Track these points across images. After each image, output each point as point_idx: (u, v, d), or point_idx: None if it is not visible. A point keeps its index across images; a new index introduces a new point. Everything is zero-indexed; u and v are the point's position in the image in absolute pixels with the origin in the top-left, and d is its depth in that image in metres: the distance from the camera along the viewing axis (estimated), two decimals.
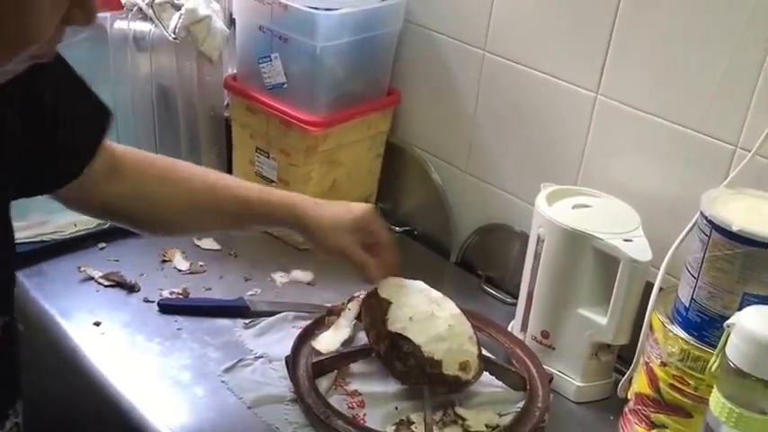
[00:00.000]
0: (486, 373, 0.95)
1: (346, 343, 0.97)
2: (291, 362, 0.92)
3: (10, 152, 0.68)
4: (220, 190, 0.87)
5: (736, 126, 0.91)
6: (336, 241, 0.89)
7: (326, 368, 0.94)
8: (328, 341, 0.95)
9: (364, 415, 0.90)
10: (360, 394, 0.93)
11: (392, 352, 0.90)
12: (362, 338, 0.97)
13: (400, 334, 0.89)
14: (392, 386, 0.94)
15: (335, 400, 0.91)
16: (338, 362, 0.95)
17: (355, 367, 0.97)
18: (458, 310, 0.94)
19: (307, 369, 0.92)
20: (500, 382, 0.96)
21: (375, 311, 0.93)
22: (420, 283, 0.96)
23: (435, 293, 0.95)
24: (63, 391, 1.03)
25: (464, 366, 0.89)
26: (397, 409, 0.91)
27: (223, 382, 0.94)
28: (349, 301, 1.00)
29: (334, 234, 0.89)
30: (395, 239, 1.28)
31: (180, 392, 0.92)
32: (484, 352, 0.96)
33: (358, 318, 0.98)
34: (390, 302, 0.91)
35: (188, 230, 0.98)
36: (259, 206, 0.88)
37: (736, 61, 0.89)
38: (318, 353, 0.93)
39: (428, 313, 0.91)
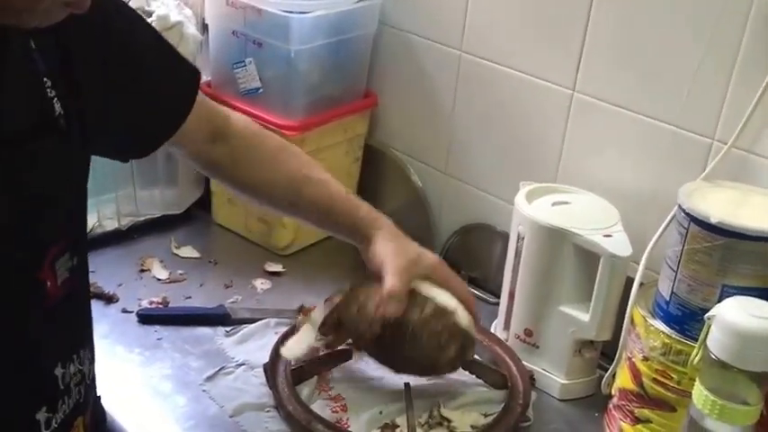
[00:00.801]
0: (467, 374, 0.95)
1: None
2: (270, 369, 0.92)
3: (96, 112, 0.70)
4: (313, 186, 0.89)
5: (712, 119, 0.91)
6: (390, 279, 0.84)
7: (306, 374, 0.93)
8: (293, 346, 0.92)
9: (347, 419, 0.89)
10: (343, 398, 0.92)
11: (400, 331, 0.84)
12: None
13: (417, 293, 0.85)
14: (376, 390, 0.93)
15: (318, 406, 0.90)
16: (318, 367, 0.94)
17: (338, 371, 0.96)
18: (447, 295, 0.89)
19: (286, 376, 0.91)
20: (482, 381, 0.96)
21: (366, 302, 0.87)
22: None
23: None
24: None
25: (472, 324, 0.86)
26: (381, 413, 0.90)
27: (204, 390, 0.93)
28: (326, 301, 0.98)
29: (393, 270, 0.85)
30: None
31: (161, 402, 0.91)
32: None
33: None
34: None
35: (280, 211, 0.97)
36: (341, 216, 0.89)
37: (710, 55, 0.90)
38: (299, 359, 0.92)
39: (422, 295, 0.86)
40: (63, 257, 0.68)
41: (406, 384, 0.92)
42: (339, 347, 0.96)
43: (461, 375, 0.95)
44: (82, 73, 0.68)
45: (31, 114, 0.64)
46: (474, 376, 0.97)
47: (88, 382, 0.75)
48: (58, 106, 0.65)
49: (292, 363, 0.93)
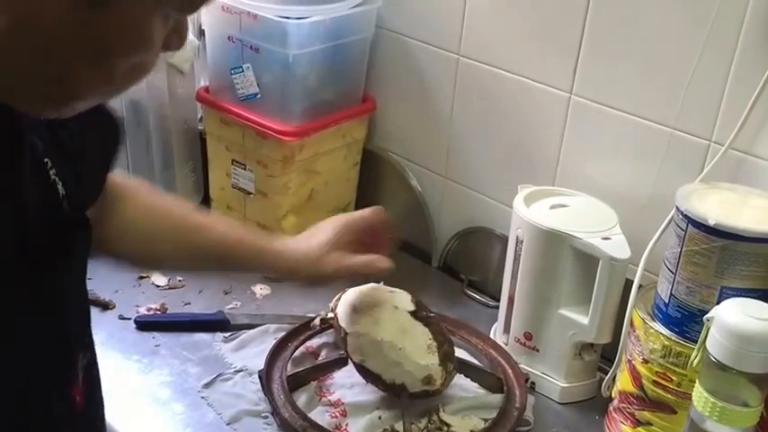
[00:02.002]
0: (463, 377, 0.95)
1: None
2: (265, 375, 0.92)
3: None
4: (203, 231, 0.83)
5: (710, 121, 0.91)
6: (320, 270, 0.85)
7: (303, 380, 0.93)
8: None
9: (347, 425, 0.89)
10: (343, 404, 0.92)
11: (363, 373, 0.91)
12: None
13: (362, 366, 0.90)
14: (374, 394, 0.93)
15: (318, 412, 0.90)
16: (314, 373, 0.94)
17: (337, 376, 0.96)
18: (411, 322, 0.91)
19: (282, 382, 0.91)
20: (477, 385, 0.96)
21: (339, 336, 0.93)
22: (369, 292, 0.95)
23: (385, 306, 0.92)
24: None
25: (428, 380, 0.89)
26: (380, 419, 0.90)
27: (203, 397, 0.92)
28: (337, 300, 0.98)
29: (316, 263, 0.84)
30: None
31: (159, 409, 0.91)
32: (459, 354, 0.95)
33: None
34: (347, 332, 0.91)
35: (178, 268, 0.93)
36: (236, 250, 0.84)
37: (706, 57, 0.90)
38: (295, 366, 0.92)
39: (377, 341, 0.89)
40: (82, 358, 0.63)
41: (403, 388, 0.91)
42: (335, 356, 0.97)
43: (459, 379, 0.95)
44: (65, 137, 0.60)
45: (49, 210, 0.56)
46: (470, 380, 0.96)
47: None
48: (60, 187, 0.57)
49: (288, 369, 0.92)
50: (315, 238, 0.86)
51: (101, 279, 1.11)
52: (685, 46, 0.91)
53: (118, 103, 1.15)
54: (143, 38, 0.48)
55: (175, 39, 0.52)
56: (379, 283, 0.99)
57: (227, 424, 0.88)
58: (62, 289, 0.58)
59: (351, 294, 0.95)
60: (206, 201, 1.28)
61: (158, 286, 1.12)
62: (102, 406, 0.68)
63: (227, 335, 1.03)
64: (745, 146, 0.89)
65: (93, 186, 0.67)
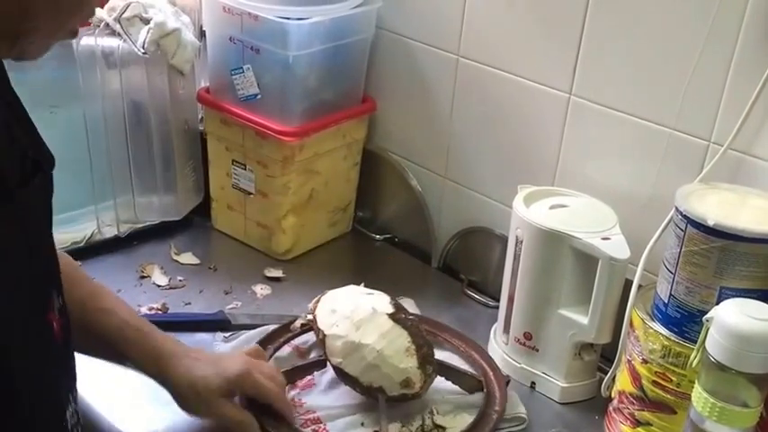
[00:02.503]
0: (443, 380, 0.95)
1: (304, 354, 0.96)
2: None
3: None
4: (103, 315, 0.81)
5: (709, 121, 0.92)
6: (208, 408, 0.82)
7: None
8: None
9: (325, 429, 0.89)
10: (316, 413, 0.91)
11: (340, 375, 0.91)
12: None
13: (339, 368, 0.89)
14: (352, 399, 0.92)
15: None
16: (292, 375, 0.94)
17: (317, 380, 0.96)
18: (389, 324, 0.89)
19: None
20: (458, 388, 0.95)
21: (318, 338, 0.93)
22: (348, 294, 0.95)
23: (364, 307, 0.91)
24: None
25: (406, 383, 0.88)
26: (363, 425, 0.89)
27: None
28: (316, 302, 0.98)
29: (206, 399, 0.81)
30: (376, 249, 1.28)
31: (160, 409, 0.91)
32: (439, 357, 0.94)
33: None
34: (325, 334, 0.91)
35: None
36: (125, 346, 0.81)
37: (705, 57, 0.90)
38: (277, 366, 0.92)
39: (355, 344, 0.88)
40: (57, 300, 0.66)
41: (381, 391, 0.89)
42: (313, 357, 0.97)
43: (439, 383, 0.94)
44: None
45: (15, 160, 0.61)
46: (450, 383, 0.96)
47: (81, 421, 0.72)
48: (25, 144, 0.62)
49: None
50: (218, 374, 0.82)
51: (102, 279, 1.10)
52: (685, 46, 0.91)
53: (119, 104, 1.16)
54: None
55: None
56: (359, 284, 0.99)
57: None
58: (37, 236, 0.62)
59: (329, 297, 0.95)
60: (206, 200, 1.29)
61: (159, 286, 1.13)
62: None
63: (227, 335, 1.03)
64: (744, 146, 0.90)
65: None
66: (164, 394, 0.93)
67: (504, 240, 1.04)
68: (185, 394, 0.82)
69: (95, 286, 0.85)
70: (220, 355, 0.88)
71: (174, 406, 0.91)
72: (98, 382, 0.94)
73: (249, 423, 0.83)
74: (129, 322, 0.82)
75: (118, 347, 0.82)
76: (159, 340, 0.83)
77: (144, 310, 1.07)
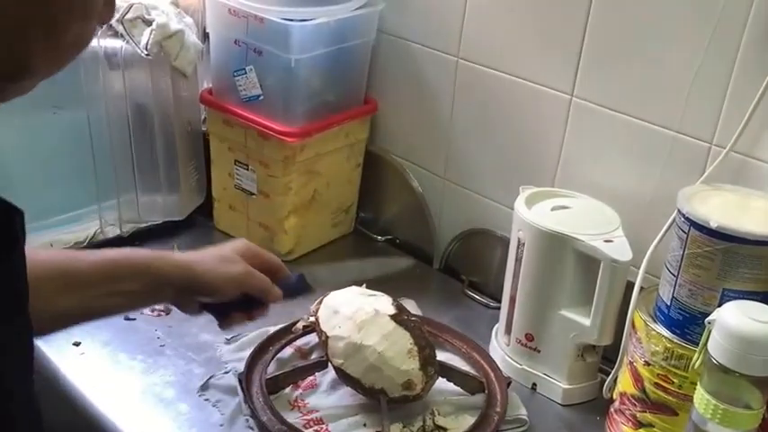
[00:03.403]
0: (446, 381, 0.95)
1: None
2: (246, 378, 0.92)
3: None
4: (77, 260, 0.77)
5: (711, 123, 0.92)
6: (228, 272, 0.82)
7: (282, 383, 0.93)
8: None
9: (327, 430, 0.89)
10: (318, 412, 0.91)
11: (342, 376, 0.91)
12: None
13: (341, 369, 0.89)
14: (354, 400, 0.92)
15: (292, 418, 0.89)
16: (293, 376, 0.94)
17: (318, 380, 0.96)
18: (391, 326, 0.89)
19: (261, 385, 0.91)
20: (460, 389, 0.96)
21: (320, 339, 0.94)
22: (350, 295, 0.95)
23: (366, 309, 0.91)
24: (45, 416, 1.01)
25: (407, 385, 0.88)
26: (365, 425, 0.90)
27: (207, 399, 0.93)
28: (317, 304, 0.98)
29: (225, 266, 0.82)
30: (377, 250, 1.29)
31: (164, 410, 0.91)
32: (440, 358, 0.95)
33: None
34: (327, 336, 0.91)
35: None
36: (127, 263, 0.78)
37: (708, 59, 0.90)
38: (279, 368, 0.93)
39: (357, 345, 0.88)
40: None
41: (383, 393, 0.90)
42: (315, 357, 0.98)
43: (440, 384, 0.94)
44: None
45: None
46: (452, 384, 0.96)
47: None
48: None
49: (268, 372, 0.93)
50: (221, 248, 0.84)
51: None
52: (687, 48, 0.91)
53: (123, 105, 1.16)
54: (86, 7, 0.49)
55: (107, 11, 0.52)
56: (360, 285, 0.99)
57: (221, 425, 0.89)
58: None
59: (332, 298, 0.95)
60: (209, 201, 1.29)
61: None
62: None
63: (228, 337, 1.03)
64: (746, 148, 0.90)
65: None
66: (167, 395, 0.93)
67: (505, 242, 1.04)
68: (206, 270, 0.81)
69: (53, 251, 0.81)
70: (219, 254, 0.84)
71: (177, 407, 0.91)
72: (102, 388, 0.94)
73: (269, 284, 0.85)
74: (110, 251, 0.80)
75: (117, 273, 0.78)
76: (148, 251, 0.82)
77: (147, 311, 1.07)
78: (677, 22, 0.92)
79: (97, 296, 0.77)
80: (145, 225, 1.23)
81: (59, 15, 0.47)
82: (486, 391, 0.93)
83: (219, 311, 0.85)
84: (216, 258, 0.83)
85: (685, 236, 0.81)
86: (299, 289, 0.90)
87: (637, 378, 0.87)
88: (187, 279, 0.81)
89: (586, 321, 0.94)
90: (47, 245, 1.13)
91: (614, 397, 0.92)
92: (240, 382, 0.91)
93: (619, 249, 0.91)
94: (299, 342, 1.02)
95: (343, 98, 1.21)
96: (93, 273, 0.77)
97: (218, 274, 0.82)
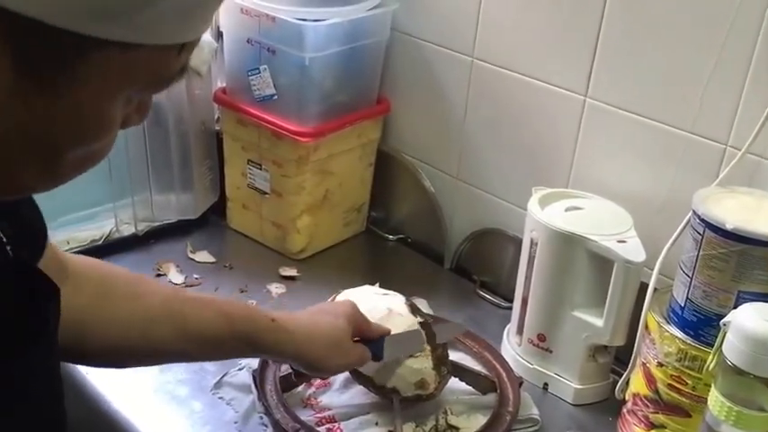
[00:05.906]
0: (458, 381, 0.95)
1: None
2: (259, 375, 0.92)
3: None
4: (196, 304, 0.75)
5: (726, 125, 0.92)
6: (338, 365, 0.82)
7: (295, 381, 0.93)
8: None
9: (340, 429, 0.89)
10: (331, 410, 0.92)
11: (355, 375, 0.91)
12: None
13: (354, 368, 0.89)
14: (367, 400, 0.93)
15: (305, 416, 0.90)
16: (307, 375, 0.94)
17: (331, 379, 0.96)
18: (405, 325, 0.89)
19: (274, 383, 0.91)
20: (471, 389, 0.96)
21: None
22: (363, 294, 0.94)
23: (379, 308, 0.91)
24: None
25: (420, 384, 0.88)
26: (377, 424, 0.90)
27: (221, 398, 0.93)
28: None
29: (336, 357, 0.81)
30: (389, 249, 1.29)
31: (177, 408, 0.92)
32: (452, 357, 0.95)
33: None
34: None
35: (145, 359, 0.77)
36: (232, 337, 0.74)
37: (723, 59, 0.90)
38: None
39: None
40: None
41: (395, 393, 0.90)
42: None
43: (453, 383, 0.94)
44: None
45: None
46: (464, 383, 0.96)
47: None
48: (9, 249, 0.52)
49: (281, 370, 0.93)
50: (333, 323, 0.81)
51: None
52: (702, 48, 0.91)
53: None
54: (100, 124, 0.43)
55: (136, 118, 0.47)
56: (372, 284, 0.99)
57: (235, 423, 0.89)
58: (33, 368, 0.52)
59: (344, 296, 0.95)
60: (222, 200, 1.30)
61: (175, 284, 1.13)
62: None
63: None
64: (761, 150, 0.89)
65: (34, 243, 0.60)
66: (180, 392, 0.94)
67: (517, 242, 1.04)
68: (334, 355, 0.80)
69: (174, 287, 0.80)
70: (331, 332, 0.82)
71: (191, 404, 0.92)
72: (116, 385, 0.95)
73: (366, 354, 0.84)
74: (232, 304, 0.78)
75: (227, 335, 0.74)
76: (266, 313, 0.79)
77: None
78: (691, 22, 0.92)
79: (205, 354, 0.78)
80: (159, 224, 1.24)
81: (61, 134, 0.43)
82: (499, 391, 0.93)
83: None
84: (328, 341, 0.80)
85: (700, 237, 0.80)
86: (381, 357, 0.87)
87: (650, 379, 0.87)
88: (296, 363, 0.81)
89: (599, 322, 0.94)
90: (63, 243, 1.14)
91: (626, 398, 0.92)
92: (254, 379, 0.92)
93: (632, 250, 0.91)
94: None
95: (357, 98, 1.21)
96: (210, 329, 0.74)
97: (329, 367, 0.82)
